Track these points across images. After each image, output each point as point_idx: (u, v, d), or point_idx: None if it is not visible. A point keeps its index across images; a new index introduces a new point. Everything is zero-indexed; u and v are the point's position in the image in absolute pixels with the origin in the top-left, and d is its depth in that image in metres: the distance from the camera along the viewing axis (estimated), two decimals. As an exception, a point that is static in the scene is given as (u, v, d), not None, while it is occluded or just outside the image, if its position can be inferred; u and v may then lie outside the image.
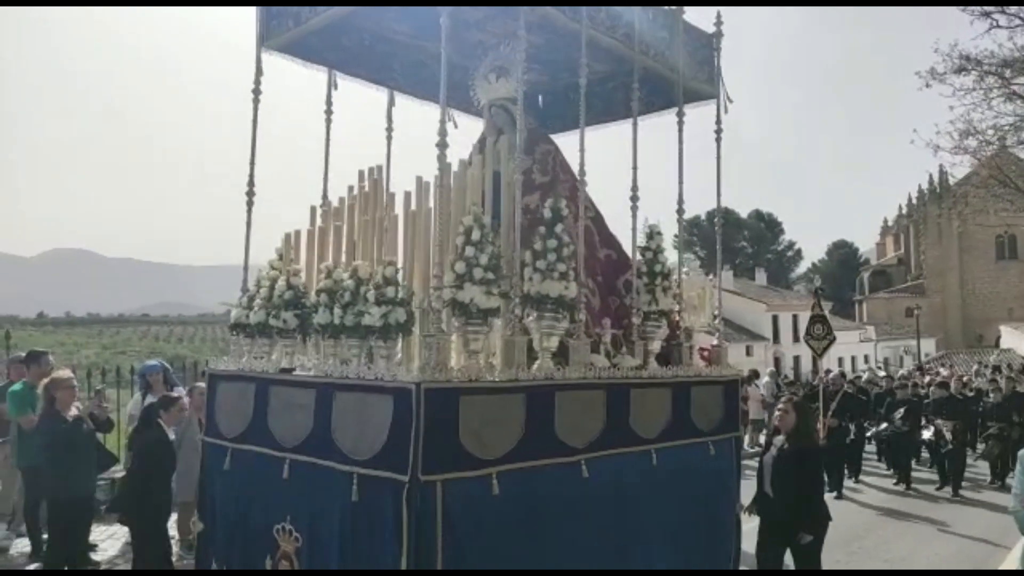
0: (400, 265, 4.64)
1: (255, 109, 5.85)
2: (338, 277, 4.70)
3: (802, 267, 76.45)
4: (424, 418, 4.03)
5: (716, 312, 6.54)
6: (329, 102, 6.40)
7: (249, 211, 5.77)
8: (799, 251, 76.54)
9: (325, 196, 6.17)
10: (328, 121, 6.39)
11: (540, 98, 7.85)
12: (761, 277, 54.78)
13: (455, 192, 4.88)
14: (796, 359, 42.74)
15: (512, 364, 4.64)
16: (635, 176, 5.76)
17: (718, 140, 6.64)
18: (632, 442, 5.35)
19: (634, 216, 5.76)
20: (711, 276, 6.34)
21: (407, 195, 4.93)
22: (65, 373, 7.20)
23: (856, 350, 49.79)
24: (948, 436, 12.38)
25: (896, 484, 13.08)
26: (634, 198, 5.76)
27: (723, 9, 6.68)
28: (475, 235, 4.45)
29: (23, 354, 8.58)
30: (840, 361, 43.55)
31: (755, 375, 18.07)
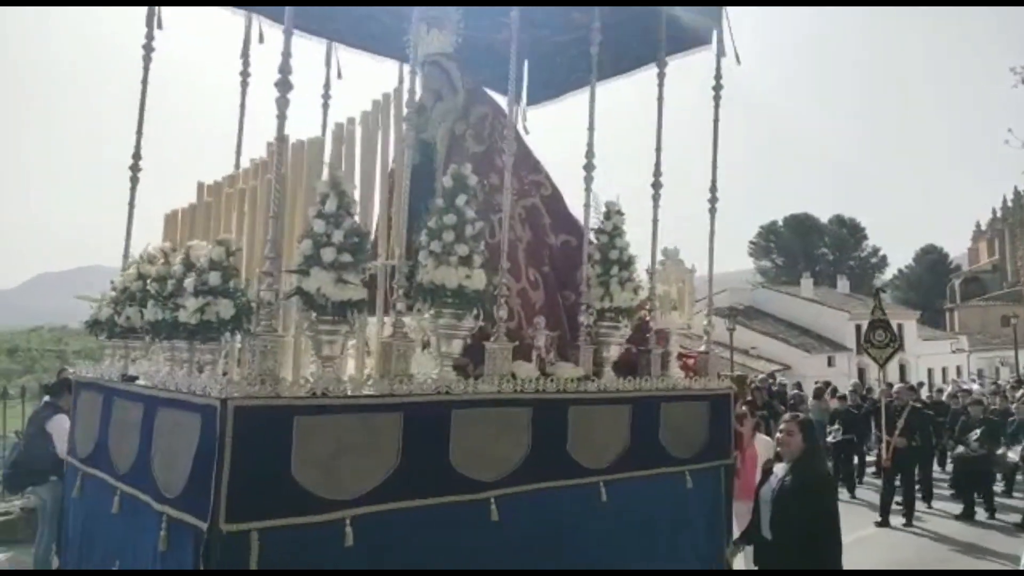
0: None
1: (145, 68, 4.99)
2: (174, 263, 3.74)
3: (887, 274, 71.63)
4: (233, 445, 3.01)
5: (705, 310, 5.31)
6: (246, 59, 5.48)
7: (133, 188, 4.91)
8: (884, 257, 71.58)
9: (238, 168, 5.25)
10: (244, 83, 5.48)
11: (525, 63, 6.82)
12: (843, 285, 51.56)
13: (340, 160, 3.89)
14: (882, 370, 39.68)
15: (388, 373, 3.59)
16: (591, 138, 4.67)
17: (716, 97, 5.42)
18: (570, 473, 4.21)
19: (587, 190, 4.64)
20: (692, 266, 5.09)
21: (261, 163, 3.95)
22: None
23: (947, 361, 46.28)
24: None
25: (958, 517, 11.21)
26: (588, 167, 4.63)
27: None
28: (330, 205, 3.41)
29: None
30: (930, 373, 40.28)
31: (830, 390, 15.15)
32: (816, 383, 16.12)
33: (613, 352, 4.63)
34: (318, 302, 3.32)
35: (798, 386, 13.51)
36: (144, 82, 4.95)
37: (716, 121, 5.36)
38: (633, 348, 4.92)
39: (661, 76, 5.22)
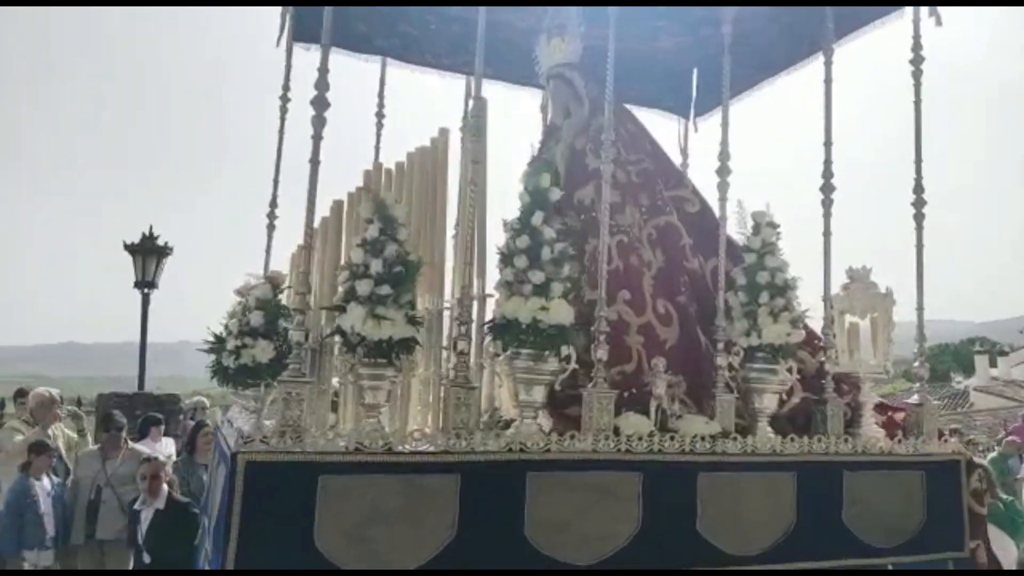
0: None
1: (282, 115, 5.09)
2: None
3: None
4: (243, 506, 2.66)
5: (916, 352, 4.00)
6: (381, 97, 5.41)
7: (269, 236, 4.96)
8: None
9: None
10: (379, 124, 5.38)
11: (695, 72, 6.03)
12: None
13: (412, 181, 3.52)
14: None
15: (448, 427, 3.04)
16: (725, 133, 3.78)
17: (916, 72, 4.21)
18: (703, 559, 3.28)
19: (721, 200, 3.73)
20: (887, 290, 3.83)
21: (354, 193, 3.67)
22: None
23: None
24: None
25: None
26: (722, 171, 3.73)
27: None
28: (372, 232, 3.01)
29: None
30: None
31: None
32: None
33: (768, 402, 3.60)
34: (354, 342, 2.91)
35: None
36: (281, 132, 5.04)
37: (917, 102, 4.13)
38: (809, 395, 3.83)
39: (828, 50, 4.18)
